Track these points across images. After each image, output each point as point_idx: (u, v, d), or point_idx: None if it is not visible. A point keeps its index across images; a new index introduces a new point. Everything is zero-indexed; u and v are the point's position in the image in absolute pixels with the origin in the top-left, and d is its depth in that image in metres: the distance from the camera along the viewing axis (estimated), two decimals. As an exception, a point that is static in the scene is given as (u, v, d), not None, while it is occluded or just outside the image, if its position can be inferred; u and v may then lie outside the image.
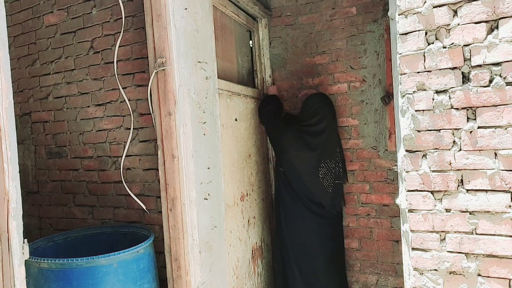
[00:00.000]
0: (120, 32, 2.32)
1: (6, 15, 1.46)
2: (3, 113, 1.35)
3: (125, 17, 2.30)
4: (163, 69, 1.98)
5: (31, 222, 2.75)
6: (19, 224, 1.39)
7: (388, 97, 2.88)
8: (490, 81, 1.53)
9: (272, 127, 3.00)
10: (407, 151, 1.68)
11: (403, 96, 1.68)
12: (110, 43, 2.40)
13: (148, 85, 2.09)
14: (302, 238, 2.84)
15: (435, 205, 1.64)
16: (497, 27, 1.52)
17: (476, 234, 1.57)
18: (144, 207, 2.29)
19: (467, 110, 1.57)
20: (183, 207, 2.00)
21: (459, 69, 1.58)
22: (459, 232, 1.60)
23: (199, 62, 2.19)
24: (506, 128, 1.51)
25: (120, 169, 2.37)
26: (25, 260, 1.41)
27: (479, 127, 1.55)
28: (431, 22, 1.62)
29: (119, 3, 2.27)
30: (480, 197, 1.56)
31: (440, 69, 1.61)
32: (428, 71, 1.63)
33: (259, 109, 3.12)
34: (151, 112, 2.11)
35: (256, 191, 3.08)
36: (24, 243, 1.40)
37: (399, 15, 1.67)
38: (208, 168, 2.22)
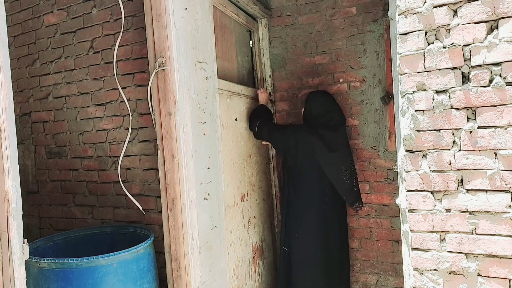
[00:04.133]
0: (120, 32, 2.32)
1: (6, 15, 1.46)
2: (3, 113, 1.35)
3: (125, 17, 2.30)
4: (163, 69, 1.98)
5: (31, 222, 2.75)
6: (19, 224, 1.39)
7: (388, 97, 2.88)
8: (490, 81, 1.53)
9: (277, 133, 2.81)
10: (407, 151, 1.68)
11: (403, 96, 1.68)
12: (110, 43, 2.40)
13: (148, 85, 2.09)
14: (308, 239, 2.83)
15: (435, 205, 1.64)
16: (497, 27, 1.52)
17: (476, 234, 1.57)
18: (140, 207, 2.28)
19: (467, 110, 1.57)
20: (183, 207, 2.00)
21: (459, 69, 1.58)
22: (459, 232, 1.60)
23: (199, 62, 2.19)
24: (506, 128, 1.51)
25: (118, 169, 2.37)
26: (25, 260, 1.41)
27: (479, 127, 1.55)
28: (431, 22, 1.62)
29: (119, 3, 2.27)
30: (480, 197, 1.56)
31: (440, 69, 1.61)
32: (428, 71, 1.63)
33: (250, 123, 2.92)
34: (151, 112, 2.11)
35: (257, 191, 3.07)
36: (24, 243, 1.40)
37: (399, 15, 1.67)
38: (208, 168, 2.22)
